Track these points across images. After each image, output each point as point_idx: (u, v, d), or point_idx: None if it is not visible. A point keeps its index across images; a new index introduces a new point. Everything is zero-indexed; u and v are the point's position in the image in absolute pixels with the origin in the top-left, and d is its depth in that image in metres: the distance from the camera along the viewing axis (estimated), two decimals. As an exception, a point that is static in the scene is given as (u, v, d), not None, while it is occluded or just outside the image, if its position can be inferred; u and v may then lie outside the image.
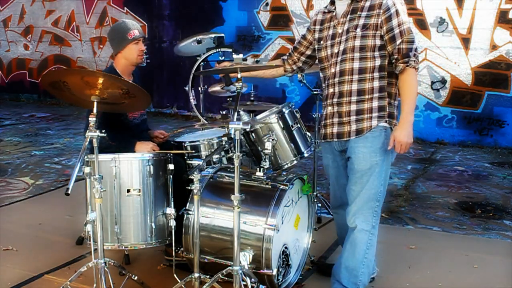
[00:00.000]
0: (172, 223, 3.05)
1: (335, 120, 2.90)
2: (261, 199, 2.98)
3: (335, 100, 2.87)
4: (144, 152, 3.27)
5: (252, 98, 3.91)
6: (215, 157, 3.49)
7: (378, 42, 2.76)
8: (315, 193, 3.84)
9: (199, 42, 4.43)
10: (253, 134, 3.23)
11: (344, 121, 2.86)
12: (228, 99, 3.91)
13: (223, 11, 8.72)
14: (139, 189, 3.02)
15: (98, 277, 2.77)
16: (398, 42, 2.73)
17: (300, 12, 8.17)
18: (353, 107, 2.83)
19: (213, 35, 4.56)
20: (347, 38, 2.80)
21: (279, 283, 3.04)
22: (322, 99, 3.05)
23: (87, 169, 2.73)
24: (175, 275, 2.98)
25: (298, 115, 3.35)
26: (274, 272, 2.92)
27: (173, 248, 3.05)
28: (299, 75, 3.92)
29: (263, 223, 2.89)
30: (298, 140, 3.29)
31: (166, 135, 3.78)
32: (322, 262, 3.53)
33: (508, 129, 7.18)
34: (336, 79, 2.85)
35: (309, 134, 3.41)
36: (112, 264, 2.98)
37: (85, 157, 2.88)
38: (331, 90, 2.89)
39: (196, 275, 2.87)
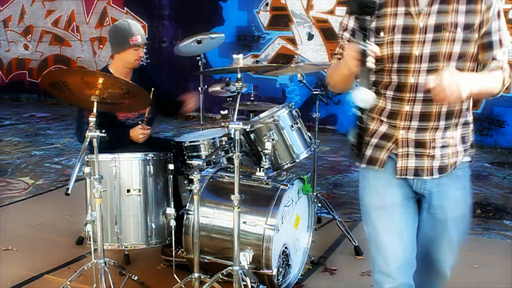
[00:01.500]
0: (172, 223, 3.05)
1: (411, 150, 2.12)
2: (261, 199, 2.99)
3: (414, 123, 2.09)
4: (140, 135, 3.38)
5: (252, 98, 3.91)
6: (215, 157, 3.49)
7: (476, 48, 2.06)
8: (315, 193, 3.84)
9: (199, 42, 4.43)
10: (253, 134, 3.23)
11: (425, 153, 2.12)
12: (228, 99, 3.91)
13: (223, 11, 8.72)
14: (139, 189, 3.03)
15: (98, 277, 2.77)
16: (494, 52, 2.05)
17: (300, 12, 8.16)
18: (439, 134, 2.12)
19: (213, 35, 4.57)
20: (438, 38, 1.99)
21: (279, 283, 3.04)
22: (372, 111, 2.14)
23: (87, 169, 2.73)
24: (175, 275, 2.99)
25: (298, 115, 3.35)
26: (274, 272, 2.92)
27: (173, 248, 3.05)
28: (299, 75, 3.91)
29: (263, 223, 2.89)
30: (298, 140, 3.29)
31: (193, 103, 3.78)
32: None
33: (508, 129, 7.17)
34: (420, 95, 2.05)
35: (309, 134, 3.41)
36: (112, 264, 2.98)
37: (85, 157, 2.88)
38: (406, 108, 2.07)
39: (196, 275, 2.87)
